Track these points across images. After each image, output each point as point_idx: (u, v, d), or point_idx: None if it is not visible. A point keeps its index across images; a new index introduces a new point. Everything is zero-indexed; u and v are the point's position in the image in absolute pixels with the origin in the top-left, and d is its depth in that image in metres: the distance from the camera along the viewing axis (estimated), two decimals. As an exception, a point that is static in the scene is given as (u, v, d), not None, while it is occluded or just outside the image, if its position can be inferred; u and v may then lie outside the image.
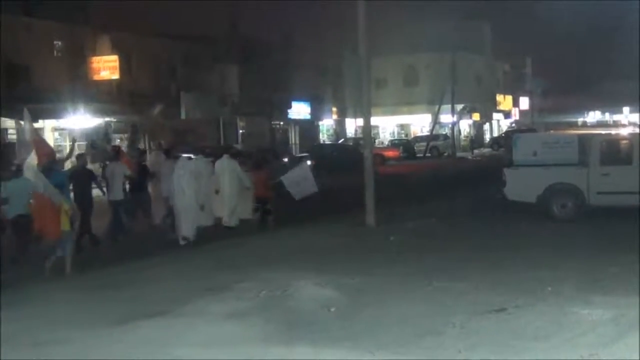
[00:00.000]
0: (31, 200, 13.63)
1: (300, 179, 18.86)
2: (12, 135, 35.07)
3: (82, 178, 16.05)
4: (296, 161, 21.04)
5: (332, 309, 9.88)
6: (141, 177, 17.78)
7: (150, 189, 18.45)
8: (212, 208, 16.95)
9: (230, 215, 17.47)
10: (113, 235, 17.01)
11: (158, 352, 8.28)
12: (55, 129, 37.95)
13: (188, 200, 16.11)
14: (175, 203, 16.32)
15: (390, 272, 12.23)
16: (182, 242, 16.08)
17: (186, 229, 16.15)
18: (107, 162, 18.15)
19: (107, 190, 17.03)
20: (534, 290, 10.36)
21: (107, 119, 39.72)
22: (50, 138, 37.54)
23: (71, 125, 37.44)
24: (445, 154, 59.07)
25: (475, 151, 65.89)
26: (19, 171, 14.25)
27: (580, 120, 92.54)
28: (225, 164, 17.66)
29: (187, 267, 13.50)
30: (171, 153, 18.95)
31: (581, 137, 18.79)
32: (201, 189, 16.40)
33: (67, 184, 15.08)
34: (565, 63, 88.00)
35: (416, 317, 9.30)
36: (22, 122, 16.20)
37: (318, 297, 10.58)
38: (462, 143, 67.88)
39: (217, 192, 17.12)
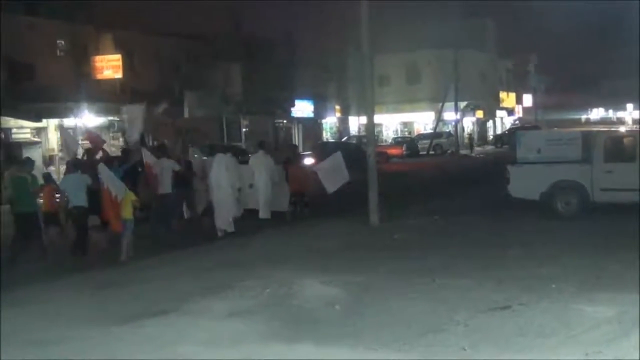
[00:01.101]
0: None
1: (333, 170, 19.52)
2: (15, 135, 35.18)
3: (134, 173, 17.11)
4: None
5: (336, 307, 9.89)
6: (186, 172, 18.43)
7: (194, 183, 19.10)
8: (246, 201, 18.10)
9: (264, 208, 18.63)
10: (162, 227, 17.49)
11: (161, 351, 8.29)
12: (57, 128, 37.95)
13: (224, 194, 17.03)
14: (213, 197, 17.25)
15: (394, 269, 12.23)
16: (219, 234, 17.02)
17: (222, 222, 17.12)
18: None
19: (157, 184, 17.63)
20: (538, 288, 10.36)
21: (111, 117, 39.72)
22: (53, 137, 37.61)
23: (74, 124, 37.47)
24: (449, 152, 59.03)
25: (478, 149, 65.85)
26: (74, 167, 15.75)
27: (583, 117, 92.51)
28: (260, 159, 18.98)
29: (191, 265, 13.52)
30: (214, 150, 19.73)
31: (585, 134, 18.75)
32: (236, 183, 17.32)
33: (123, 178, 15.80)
34: (569, 60, 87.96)
35: (420, 314, 9.31)
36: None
37: (322, 295, 10.60)
38: (466, 141, 67.83)
39: (250, 185, 18.28)
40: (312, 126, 59.98)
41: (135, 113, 20.71)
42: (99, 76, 40.07)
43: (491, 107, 75.90)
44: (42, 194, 15.12)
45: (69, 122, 37.18)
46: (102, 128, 39.77)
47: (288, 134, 57.67)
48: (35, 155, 34.06)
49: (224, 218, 17.16)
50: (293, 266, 12.69)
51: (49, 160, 35.71)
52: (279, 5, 60.02)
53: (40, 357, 8.31)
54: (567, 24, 74.28)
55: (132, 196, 14.72)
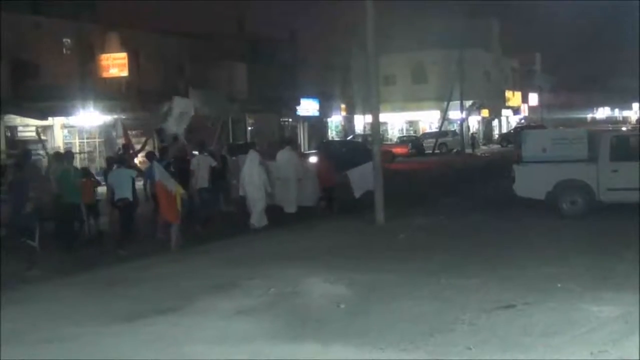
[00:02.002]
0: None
1: (363, 177, 19.85)
2: (21, 133, 35.23)
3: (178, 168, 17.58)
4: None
5: (342, 306, 9.89)
6: (222, 167, 19.12)
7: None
8: (273, 196, 18.62)
9: (289, 202, 19.17)
10: (200, 219, 17.99)
11: (167, 349, 8.31)
12: (64, 127, 38.02)
13: (257, 189, 17.68)
14: (246, 192, 17.87)
15: (400, 269, 12.23)
16: (252, 227, 17.53)
17: (254, 215, 17.70)
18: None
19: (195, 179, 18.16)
20: (544, 287, 10.36)
21: (116, 116, 39.77)
22: (59, 135, 37.67)
23: (80, 123, 37.53)
24: (454, 151, 58.98)
25: (484, 147, 65.78)
26: (120, 162, 16.63)
27: (589, 116, 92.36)
28: (286, 155, 19.57)
29: (198, 263, 13.56)
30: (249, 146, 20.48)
31: (590, 134, 18.71)
32: (267, 178, 17.95)
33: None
34: (575, 59, 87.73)
35: (425, 314, 9.31)
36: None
37: (327, 294, 10.61)
38: (471, 139, 67.78)
39: (277, 180, 18.79)
40: (317, 125, 59.95)
41: (185, 107, 21.38)
42: (105, 75, 40.10)
43: (497, 106, 75.85)
44: (83, 187, 16.25)
45: (74, 120, 37.29)
46: (107, 126, 39.86)
47: (293, 132, 57.66)
48: (41, 153, 34.18)
49: (257, 213, 17.72)
50: (298, 265, 12.70)
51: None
52: (284, 3, 59.92)
53: (47, 355, 8.33)
54: (573, 23, 74.11)
55: (181, 190, 15.65)
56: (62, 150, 21.83)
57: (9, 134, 34.16)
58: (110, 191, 16.00)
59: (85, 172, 17.89)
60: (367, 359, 7.77)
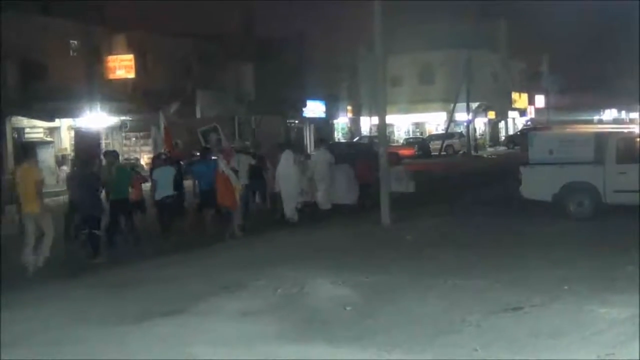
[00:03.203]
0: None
1: (398, 179, 21.48)
2: (28, 134, 35.32)
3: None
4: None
5: (348, 308, 9.89)
6: (259, 165, 19.95)
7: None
8: (308, 192, 19.90)
9: (323, 199, 20.23)
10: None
11: (173, 350, 8.32)
12: (71, 128, 38.11)
13: (291, 186, 18.93)
14: (281, 188, 19.08)
15: (406, 270, 12.22)
16: (291, 221, 18.78)
17: (288, 210, 19.01)
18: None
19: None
20: (551, 289, 10.33)
21: (123, 117, 39.85)
22: (66, 137, 37.76)
23: (87, 124, 37.59)
24: (461, 152, 58.93)
25: (490, 149, 65.69)
26: (165, 160, 17.88)
27: (596, 117, 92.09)
28: (320, 154, 21.02)
29: (205, 264, 13.57)
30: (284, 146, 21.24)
31: (597, 135, 18.65)
32: (302, 176, 19.41)
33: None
34: (582, 61, 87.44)
35: (432, 315, 9.31)
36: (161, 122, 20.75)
37: (334, 295, 10.60)
38: (478, 141, 67.71)
39: (310, 179, 19.90)
40: (323, 126, 59.96)
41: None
42: (112, 76, 40.21)
43: (503, 107, 75.77)
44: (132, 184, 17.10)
45: (81, 122, 37.38)
46: (114, 128, 39.94)
47: (299, 134, 57.68)
48: (48, 155, 34.31)
49: (291, 208, 18.97)
50: (305, 266, 12.69)
51: (61, 160, 35.86)
52: (291, 5, 59.89)
53: (56, 356, 8.34)
54: (580, 24, 73.91)
55: (239, 185, 17.15)
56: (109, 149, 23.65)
57: (16, 136, 34.25)
58: (154, 188, 16.95)
59: (135, 168, 19.57)
60: (374, 360, 7.77)
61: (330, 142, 52.99)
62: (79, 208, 15.27)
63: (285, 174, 18.99)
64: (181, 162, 19.34)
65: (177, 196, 17.38)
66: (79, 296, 11.43)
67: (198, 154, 20.48)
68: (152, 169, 18.70)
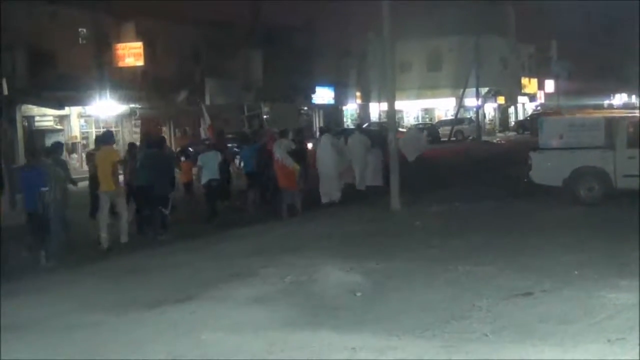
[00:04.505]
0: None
1: (411, 142, 22.81)
2: (38, 123, 35.41)
3: (264, 153, 19.15)
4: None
5: (358, 294, 9.91)
6: (301, 150, 20.30)
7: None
8: (345, 175, 20.77)
9: (360, 181, 21.23)
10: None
11: (184, 337, 8.36)
12: (80, 116, 38.20)
13: (329, 168, 19.70)
14: (320, 171, 19.90)
15: (416, 256, 12.23)
16: (324, 201, 19.71)
17: (325, 192, 19.83)
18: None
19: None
20: (561, 274, 10.33)
21: (132, 105, 39.90)
22: (76, 125, 37.84)
23: (96, 112, 37.68)
24: (470, 138, 58.78)
25: (499, 134, 65.48)
26: (210, 145, 19.26)
27: (606, 102, 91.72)
28: (357, 138, 21.84)
29: (215, 251, 13.61)
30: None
31: (608, 120, 18.56)
32: (341, 159, 20.15)
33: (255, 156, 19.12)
34: (592, 45, 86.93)
35: (442, 301, 9.31)
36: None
37: (343, 282, 10.61)
38: (487, 127, 67.56)
39: (349, 161, 20.81)
40: (333, 113, 59.90)
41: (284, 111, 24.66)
42: (121, 64, 40.24)
43: (513, 93, 75.52)
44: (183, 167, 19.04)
45: (90, 109, 37.46)
46: (123, 116, 40.00)
47: (309, 120, 57.65)
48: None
49: (327, 189, 19.81)
50: (314, 253, 12.72)
51: (71, 148, 35.95)
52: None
53: (67, 342, 8.40)
54: (590, 8, 73.48)
55: (297, 166, 18.09)
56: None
57: (26, 124, 34.35)
58: (200, 172, 18.00)
59: (185, 153, 20.91)
60: (384, 346, 7.78)
61: (339, 129, 53.08)
62: (152, 187, 15.81)
63: (325, 157, 19.81)
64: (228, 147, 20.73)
65: (222, 180, 18.22)
66: (91, 282, 11.53)
67: (207, 142, 21.18)
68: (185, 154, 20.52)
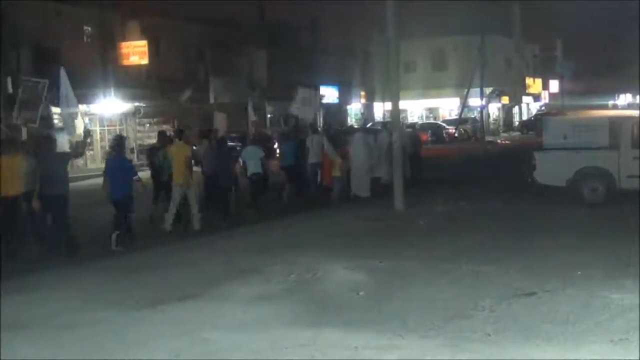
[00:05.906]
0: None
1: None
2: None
3: (300, 147, 20.88)
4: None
5: (361, 293, 9.92)
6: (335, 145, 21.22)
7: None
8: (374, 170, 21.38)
9: (386, 176, 21.15)
10: (307, 190, 21.22)
11: (188, 335, 8.36)
12: (85, 114, 38.19)
13: (361, 164, 20.42)
14: (352, 166, 20.48)
15: (419, 255, 12.24)
16: (352, 196, 20.44)
17: (356, 187, 20.57)
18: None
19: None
20: (564, 274, 10.32)
21: (137, 103, 39.94)
22: (80, 123, 37.80)
23: (101, 110, 37.70)
24: (474, 138, 58.66)
25: (504, 134, 65.36)
26: (252, 140, 20.33)
27: (610, 102, 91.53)
28: (385, 135, 22.39)
29: (220, 248, 13.65)
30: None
31: (612, 120, 18.54)
32: (371, 155, 20.91)
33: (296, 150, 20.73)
34: (597, 45, 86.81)
35: (445, 300, 9.32)
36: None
37: (347, 280, 10.63)
38: (491, 126, 67.46)
39: (378, 157, 21.46)
40: (337, 112, 59.87)
41: (308, 94, 26.14)
42: (125, 62, 40.27)
43: (517, 93, 75.42)
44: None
45: (95, 108, 37.48)
46: (128, 114, 40.03)
47: (313, 119, 57.56)
48: (64, 140, 34.38)
49: (359, 185, 20.49)
50: (318, 251, 12.74)
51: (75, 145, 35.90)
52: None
53: (70, 340, 8.41)
54: (594, 9, 73.35)
55: (339, 159, 19.67)
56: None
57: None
58: (244, 166, 18.70)
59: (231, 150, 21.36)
60: (387, 344, 7.79)
61: (343, 128, 53.03)
62: (217, 179, 17.19)
63: (358, 154, 20.51)
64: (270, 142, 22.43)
65: (262, 173, 18.79)
66: (96, 279, 11.54)
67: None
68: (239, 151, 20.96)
